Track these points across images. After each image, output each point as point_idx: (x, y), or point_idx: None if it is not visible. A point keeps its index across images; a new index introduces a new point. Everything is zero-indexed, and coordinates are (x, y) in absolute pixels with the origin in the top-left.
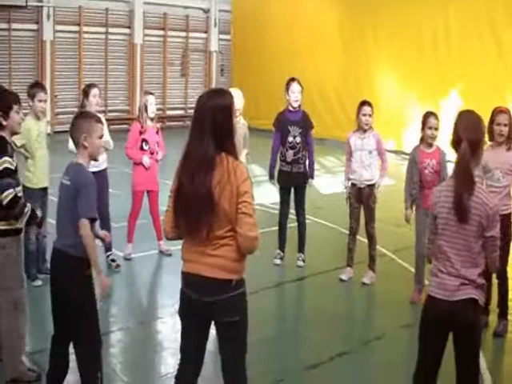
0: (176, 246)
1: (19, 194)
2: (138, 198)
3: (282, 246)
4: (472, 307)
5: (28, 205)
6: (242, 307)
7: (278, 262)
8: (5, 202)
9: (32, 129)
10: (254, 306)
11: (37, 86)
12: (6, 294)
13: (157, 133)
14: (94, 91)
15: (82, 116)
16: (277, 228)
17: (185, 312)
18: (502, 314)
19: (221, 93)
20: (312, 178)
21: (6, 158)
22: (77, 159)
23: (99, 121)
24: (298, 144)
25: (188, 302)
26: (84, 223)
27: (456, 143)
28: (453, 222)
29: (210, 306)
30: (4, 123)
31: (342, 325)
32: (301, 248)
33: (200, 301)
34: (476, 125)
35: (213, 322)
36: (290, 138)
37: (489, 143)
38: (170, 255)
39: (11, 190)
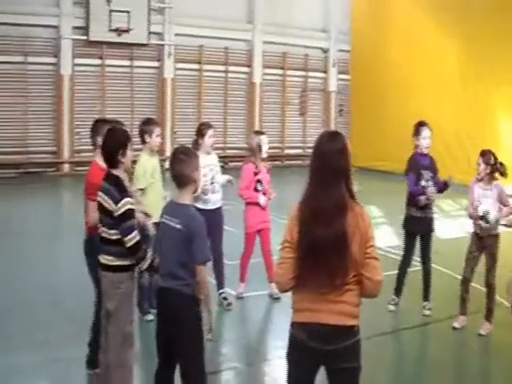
0: None
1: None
2: (250, 239)
3: (398, 293)
4: None
5: (150, 250)
6: (359, 353)
7: (392, 308)
8: (128, 245)
9: (147, 164)
10: (367, 352)
11: (152, 123)
12: (118, 327)
13: (267, 172)
14: (211, 132)
15: (190, 153)
16: (391, 272)
17: (297, 359)
18: None
19: (340, 136)
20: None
21: (128, 199)
22: (180, 198)
23: None
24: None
25: (304, 351)
26: (201, 269)
27: None
28: None
29: (331, 353)
30: (123, 160)
31: (458, 377)
32: (426, 296)
33: (321, 349)
34: None
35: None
36: (423, 182)
37: None
38: (278, 299)
39: (135, 234)
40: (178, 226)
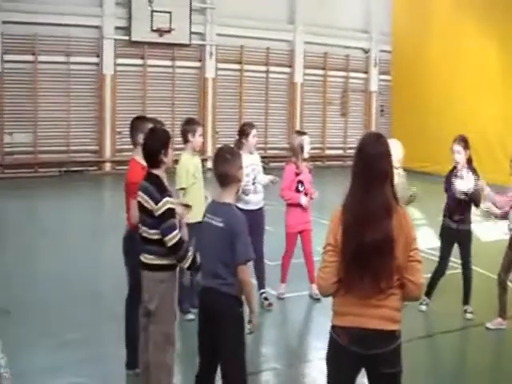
0: None
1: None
2: (292, 239)
3: (429, 294)
4: None
5: (191, 249)
6: (400, 357)
7: (423, 308)
8: (169, 245)
9: (189, 164)
10: (406, 356)
11: (194, 122)
12: (159, 326)
13: (309, 172)
14: (254, 132)
15: (234, 152)
16: (429, 275)
17: (338, 362)
18: None
19: (383, 138)
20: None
21: (168, 199)
22: (222, 197)
23: None
24: (465, 203)
25: (345, 355)
26: (242, 269)
27: None
28: None
29: (373, 357)
30: (165, 160)
31: (497, 382)
32: (466, 299)
33: (363, 354)
34: None
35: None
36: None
37: None
38: (318, 299)
39: (175, 233)
40: (221, 225)
